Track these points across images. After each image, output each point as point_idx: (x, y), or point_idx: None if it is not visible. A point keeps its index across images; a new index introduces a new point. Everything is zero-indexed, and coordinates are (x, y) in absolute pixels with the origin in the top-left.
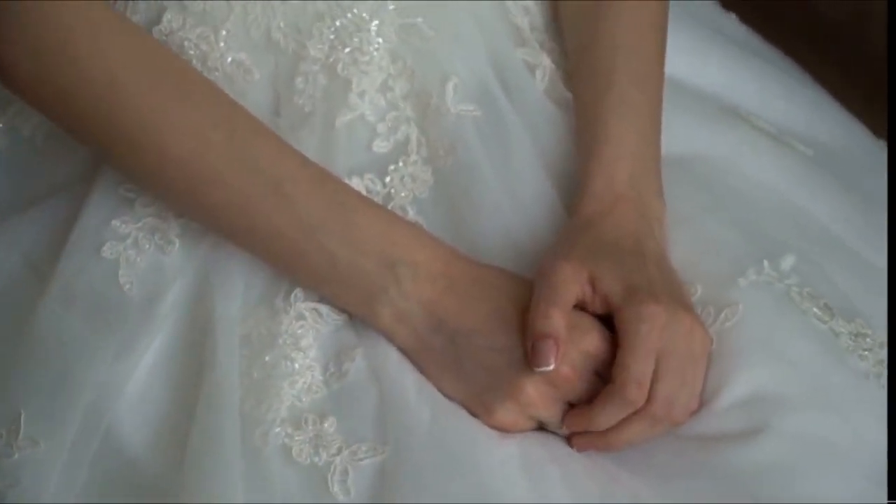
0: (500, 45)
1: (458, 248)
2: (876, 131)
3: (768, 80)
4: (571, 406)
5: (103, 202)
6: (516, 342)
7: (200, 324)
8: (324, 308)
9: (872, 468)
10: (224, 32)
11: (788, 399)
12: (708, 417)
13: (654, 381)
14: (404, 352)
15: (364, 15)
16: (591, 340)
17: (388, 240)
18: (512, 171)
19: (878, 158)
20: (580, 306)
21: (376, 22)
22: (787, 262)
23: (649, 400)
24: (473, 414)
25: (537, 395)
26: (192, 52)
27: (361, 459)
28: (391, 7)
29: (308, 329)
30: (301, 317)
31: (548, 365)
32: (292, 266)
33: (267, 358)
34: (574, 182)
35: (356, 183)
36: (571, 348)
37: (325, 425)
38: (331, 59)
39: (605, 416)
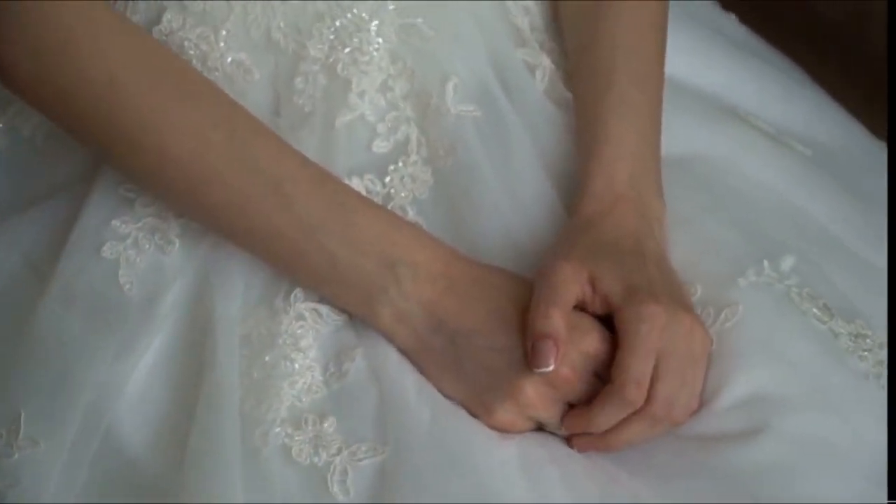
0: (500, 46)
1: (458, 248)
2: (875, 132)
3: (767, 80)
4: (571, 407)
5: (103, 202)
6: (516, 342)
7: (200, 324)
8: (324, 308)
9: (872, 469)
10: (224, 32)
11: (788, 399)
12: (708, 418)
13: (654, 382)
14: (404, 352)
15: (364, 15)
16: (591, 341)
17: (388, 240)
18: (512, 171)
19: (877, 158)
20: (580, 307)
21: (376, 22)
22: (787, 262)
23: (649, 400)
24: (473, 414)
25: (536, 396)
26: (192, 52)
27: (361, 460)
28: (391, 7)
29: (308, 329)
30: (301, 317)
31: (547, 366)
32: (292, 266)
33: (267, 358)
34: (574, 182)
35: (356, 183)
36: (571, 349)
37: (325, 425)
38: (331, 60)
39: (605, 416)
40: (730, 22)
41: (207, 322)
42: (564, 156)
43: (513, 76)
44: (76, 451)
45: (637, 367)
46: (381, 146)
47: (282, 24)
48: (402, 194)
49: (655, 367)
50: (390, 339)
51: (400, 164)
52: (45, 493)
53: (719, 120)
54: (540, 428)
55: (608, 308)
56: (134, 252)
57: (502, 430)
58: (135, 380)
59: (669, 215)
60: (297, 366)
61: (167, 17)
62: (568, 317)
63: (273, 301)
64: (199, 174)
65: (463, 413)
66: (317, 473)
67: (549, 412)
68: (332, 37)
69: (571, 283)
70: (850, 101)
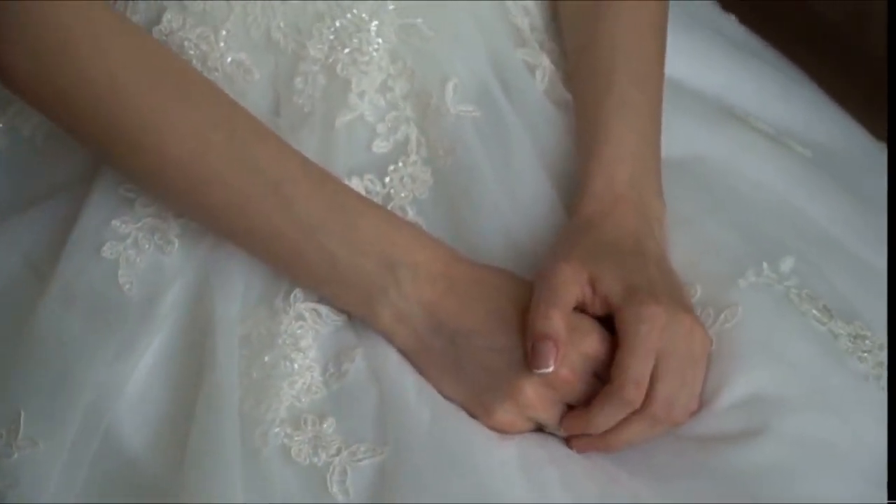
0: (499, 46)
1: (457, 248)
2: (875, 132)
3: (767, 81)
4: (570, 408)
5: (103, 202)
6: (516, 343)
7: (200, 324)
8: (323, 308)
9: (872, 470)
10: (224, 32)
11: (788, 400)
12: (707, 418)
13: (654, 382)
14: (404, 353)
15: (364, 15)
16: (591, 342)
17: (388, 240)
18: (512, 171)
19: (876, 159)
20: (580, 308)
21: (376, 22)
22: (787, 263)
23: (649, 400)
24: (473, 415)
25: (536, 397)
26: (192, 52)
27: (360, 460)
28: (391, 7)
29: (307, 329)
30: (300, 317)
31: (547, 367)
32: (292, 266)
33: (266, 358)
34: (574, 182)
35: (356, 183)
36: (571, 350)
37: (325, 426)
38: (330, 60)
39: (604, 416)
40: (730, 23)
41: (207, 322)
42: (564, 156)
43: (513, 76)
44: (76, 451)
45: (636, 367)
46: (380, 146)
47: (282, 25)
48: (402, 194)
49: (655, 368)
50: (390, 339)
51: (400, 164)
52: (45, 493)
53: (719, 121)
54: (539, 429)
55: (608, 309)
56: (134, 252)
57: (502, 430)
58: (135, 380)
59: (669, 216)
60: (296, 366)
61: (167, 17)
62: (568, 318)
63: (273, 301)
64: (199, 174)
65: (463, 414)
66: (316, 474)
67: (548, 413)
68: (331, 37)
69: (571, 285)
70: (850, 102)
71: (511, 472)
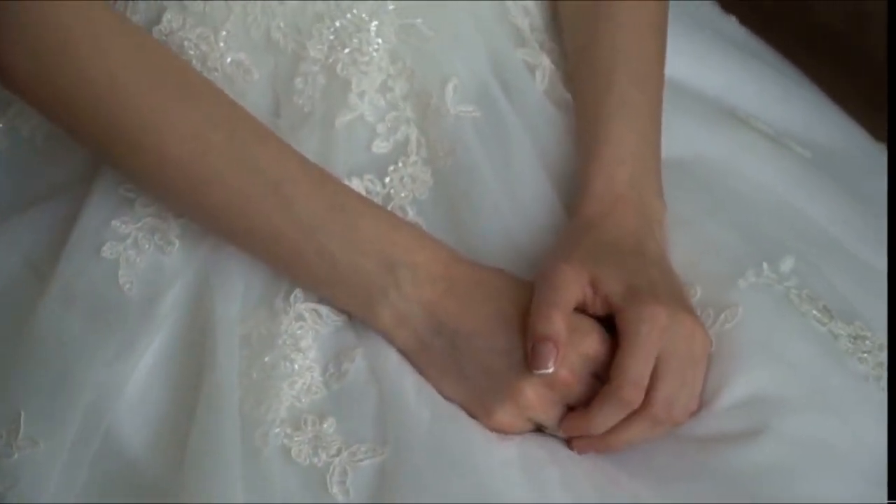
0: (499, 46)
1: (457, 249)
2: (875, 133)
3: (767, 82)
4: (570, 409)
5: (103, 202)
6: (516, 344)
7: (200, 324)
8: (323, 309)
9: (872, 470)
10: (224, 33)
11: (788, 401)
12: (708, 419)
13: (654, 382)
14: (404, 353)
15: (363, 16)
16: (591, 343)
17: (388, 240)
18: (512, 172)
19: (876, 160)
20: (581, 308)
21: (376, 23)
22: (787, 263)
23: (650, 401)
24: (473, 416)
25: (536, 398)
26: (191, 53)
27: (361, 460)
28: (391, 7)
29: (308, 330)
30: (301, 318)
31: (547, 368)
32: (292, 267)
33: (266, 359)
34: (574, 183)
35: (356, 183)
36: (571, 351)
37: (325, 426)
38: (330, 60)
39: (603, 417)
40: (730, 24)
41: (207, 323)
42: (564, 156)
43: (513, 77)
44: (76, 451)
45: (636, 367)
46: (380, 146)
47: (281, 25)
48: (402, 195)
49: (656, 368)
50: (390, 340)
51: (400, 164)
52: (45, 493)
53: (719, 122)
54: (539, 430)
55: (609, 309)
56: (134, 252)
57: (501, 431)
58: (135, 380)
59: (669, 216)
60: (296, 366)
61: (167, 17)
62: (569, 319)
63: (273, 302)
64: (199, 174)
65: (462, 414)
66: (316, 474)
67: (548, 414)
68: (331, 37)
69: (572, 286)
70: (850, 102)
71: (511, 473)
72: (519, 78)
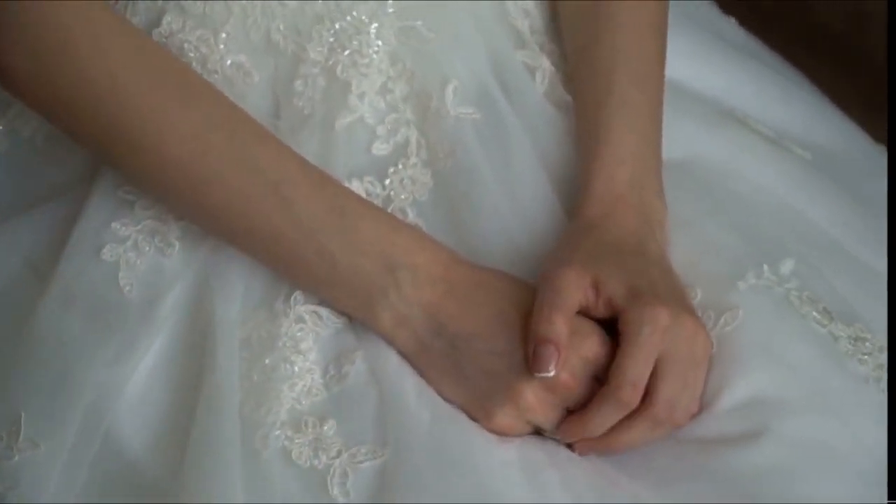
0: (499, 48)
1: (457, 250)
2: (875, 135)
3: (767, 83)
4: (570, 412)
5: (103, 204)
6: (517, 346)
7: (200, 326)
8: (324, 311)
9: (871, 472)
10: (224, 35)
11: (788, 403)
12: (708, 421)
13: (655, 383)
14: (404, 355)
15: (363, 17)
16: (591, 345)
17: (388, 242)
18: (512, 173)
19: (876, 162)
20: (583, 311)
21: (375, 24)
22: (787, 265)
23: (651, 402)
24: (473, 418)
25: (536, 401)
26: (191, 55)
27: (361, 462)
28: (390, 10)
29: (308, 332)
30: (301, 320)
31: (548, 371)
32: (292, 268)
33: (267, 361)
34: (574, 184)
35: (356, 185)
36: (572, 354)
37: (325, 428)
38: (330, 62)
39: (600, 418)
40: (729, 25)
41: (207, 325)
42: (564, 158)
43: (512, 78)
44: (76, 452)
45: (635, 368)
46: (380, 148)
47: (281, 27)
48: (402, 196)
49: (657, 369)
50: (390, 342)
51: (400, 166)
52: (45, 493)
53: (719, 123)
54: (538, 433)
55: (611, 311)
56: (134, 254)
57: (501, 433)
58: (135, 381)
59: (669, 218)
60: (296, 368)
61: (167, 19)
62: (571, 322)
63: (273, 304)
64: (199, 174)
65: (462, 416)
66: (317, 475)
67: (548, 417)
68: (331, 39)
69: (575, 289)
70: (850, 104)
71: (511, 473)
72: (519, 79)
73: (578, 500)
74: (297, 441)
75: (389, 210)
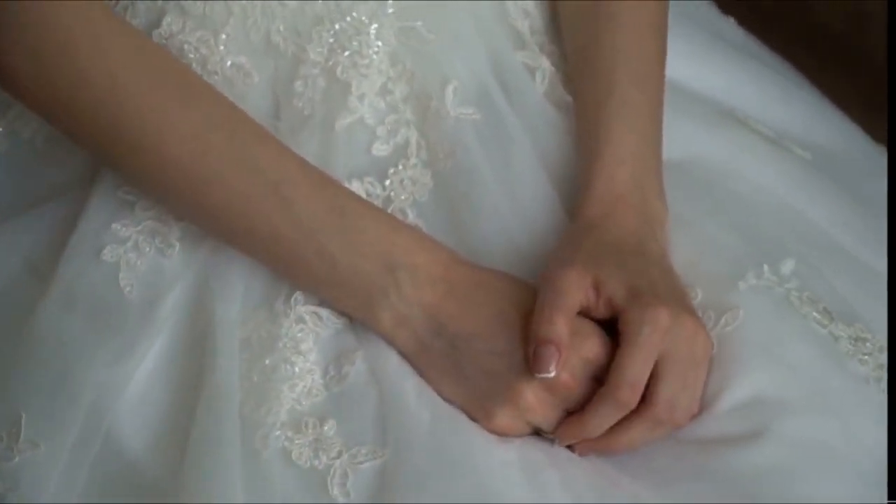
0: (499, 48)
1: (458, 251)
2: (875, 135)
3: (766, 83)
4: (569, 413)
5: (103, 205)
6: (517, 346)
7: (200, 327)
8: (324, 311)
9: (871, 472)
10: (224, 36)
11: (788, 403)
12: (708, 421)
13: (656, 384)
14: (404, 355)
15: (363, 18)
16: (591, 346)
17: (388, 242)
18: (512, 173)
19: (876, 162)
20: (583, 312)
21: (375, 25)
22: (787, 266)
23: (651, 403)
24: (472, 418)
25: (536, 401)
26: (191, 56)
27: (361, 462)
28: (390, 10)
29: (308, 332)
30: (301, 320)
31: (549, 371)
32: (292, 268)
33: (267, 361)
34: (574, 184)
35: (356, 186)
36: (572, 354)
37: (325, 428)
38: (330, 63)
39: (598, 418)
40: (728, 25)
41: (207, 325)
42: (565, 158)
43: (513, 79)
44: (76, 453)
45: (633, 368)
46: (380, 149)
47: (281, 28)
48: (402, 197)
49: (658, 369)
50: (390, 342)
51: (400, 166)
52: (45, 494)
53: (719, 123)
54: (537, 433)
55: (612, 311)
56: (134, 255)
57: (501, 434)
58: (135, 382)
59: (669, 218)
60: (297, 369)
61: (167, 20)
62: (572, 323)
63: (273, 304)
64: (199, 174)
65: (463, 416)
66: (317, 476)
67: (547, 417)
68: (331, 40)
69: (576, 289)
70: (850, 104)
71: (511, 474)
72: (519, 80)
73: (578, 500)
74: (297, 441)
75: (389, 211)
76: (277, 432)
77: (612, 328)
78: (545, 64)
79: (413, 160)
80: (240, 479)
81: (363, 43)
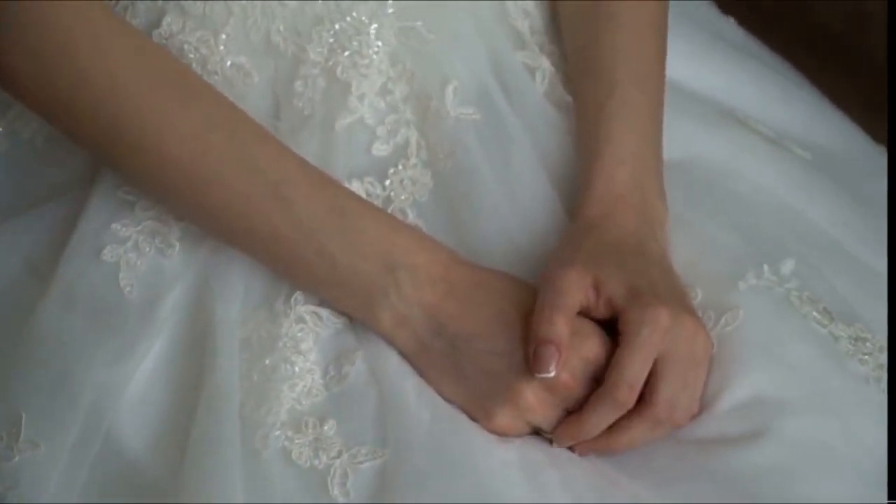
0: (499, 48)
1: (458, 251)
2: (875, 135)
3: (766, 83)
4: (569, 413)
5: (103, 206)
6: (517, 346)
7: (200, 327)
8: (324, 311)
9: (871, 472)
10: (224, 36)
11: (788, 403)
12: (708, 421)
13: (656, 384)
14: (404, 355)
15: (363, 18)
16: (591, 346)
17: (388, 242)
18: (512, 173)
19: (876, 162)
20: (583, 312)
21: (375, 25)
22: (787, 266)
23: (651, 402)
24: (472, 418)
25: (536, 401)
26: (191, 56)
27: (361, 462)
28: (390, 10)
29: (308, 332)
30: (301, 320)
31: (549, 371)
32: (292, 268)
33: (267, 361)
34: (574, 184)
35: (356, 186)
36: (572, 355)
37: (325, 428)
38: (330, 63)
39: (596, 417)
40: (728, 25)
41: (207, 325)
42: (565, 158)
43: (513, 79)
44: (76, 452)
45: (632, 368)
46: (380, 149)
47: (281, 28)
48: (402, 197)
49: (657, 369)
50: (391, 342)
51: (400, 166)
52: (45, 494)
53: (719, 123)
54: (536, 433)
55: (612, 311)
56: (134, 255)
57: (501, 433)
58: (135, 382)
59: (669, 218)
60: (297, 369)
61: (167, 20)
62: (572, 323)
63: (273, 304)
64: (199, 174)
65: (463, 416)
66: (317, 476)
67: (547, 417)
68: (331, 40)
69: (576, 289)
70: (850, 104)
71: (511, 473)
72: (519, 80)
73: (578, 500)
74: (297, 441)
75: (389, 211)
76: (277, 432)
77: (612, 328)
78: (545, 64)
79: (413, 160)
80: (240, 478)
81: (363, 43)
